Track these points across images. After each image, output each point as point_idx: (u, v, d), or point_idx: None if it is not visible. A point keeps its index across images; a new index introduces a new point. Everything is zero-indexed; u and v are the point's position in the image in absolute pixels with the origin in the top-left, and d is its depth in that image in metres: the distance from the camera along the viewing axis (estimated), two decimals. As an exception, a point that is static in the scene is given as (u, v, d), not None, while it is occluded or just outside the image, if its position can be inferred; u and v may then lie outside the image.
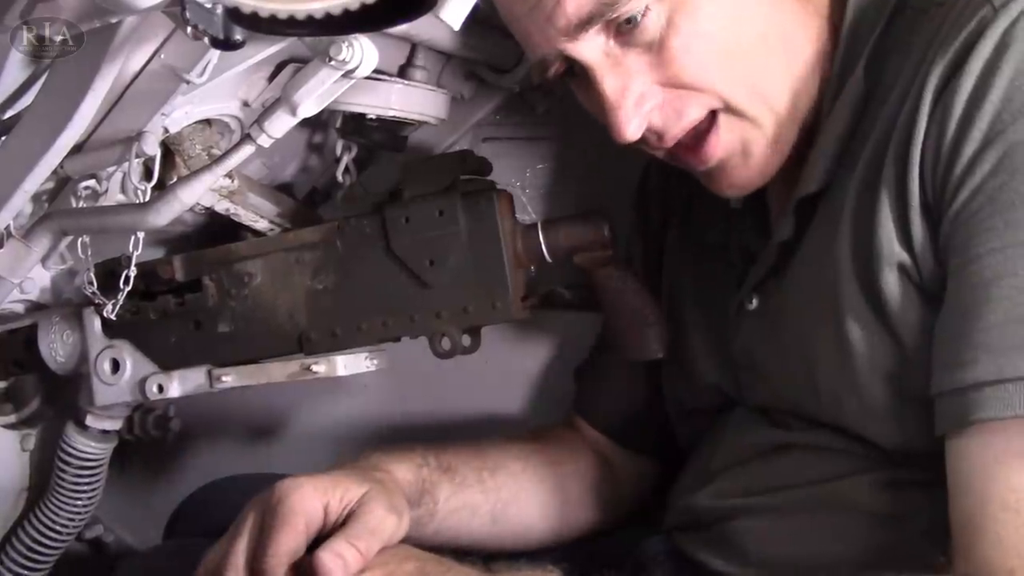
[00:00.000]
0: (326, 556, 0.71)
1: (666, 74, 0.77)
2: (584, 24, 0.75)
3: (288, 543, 0.74)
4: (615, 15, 0.74)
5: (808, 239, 0.81)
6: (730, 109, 0.78)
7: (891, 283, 0.73)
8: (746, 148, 0.80)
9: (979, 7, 0.70)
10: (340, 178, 1.11)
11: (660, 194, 1.05)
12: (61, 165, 0.86)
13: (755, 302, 0.87)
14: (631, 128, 0.78)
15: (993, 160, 0.68)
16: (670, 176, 1.03)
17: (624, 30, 0.75)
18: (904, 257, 0.73)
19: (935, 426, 0.70)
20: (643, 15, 0.74)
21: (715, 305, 0.94)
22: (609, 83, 0.77)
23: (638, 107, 0.77)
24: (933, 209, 0.71)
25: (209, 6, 0.53)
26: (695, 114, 0.78)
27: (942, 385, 0.69)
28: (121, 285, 0.96)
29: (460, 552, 0.81)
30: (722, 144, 0.79)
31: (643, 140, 0.80)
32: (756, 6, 0.77)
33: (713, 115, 0.78)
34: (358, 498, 0.78)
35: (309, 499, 0.76)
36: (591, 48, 0.77)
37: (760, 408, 0.89)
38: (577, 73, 0.80)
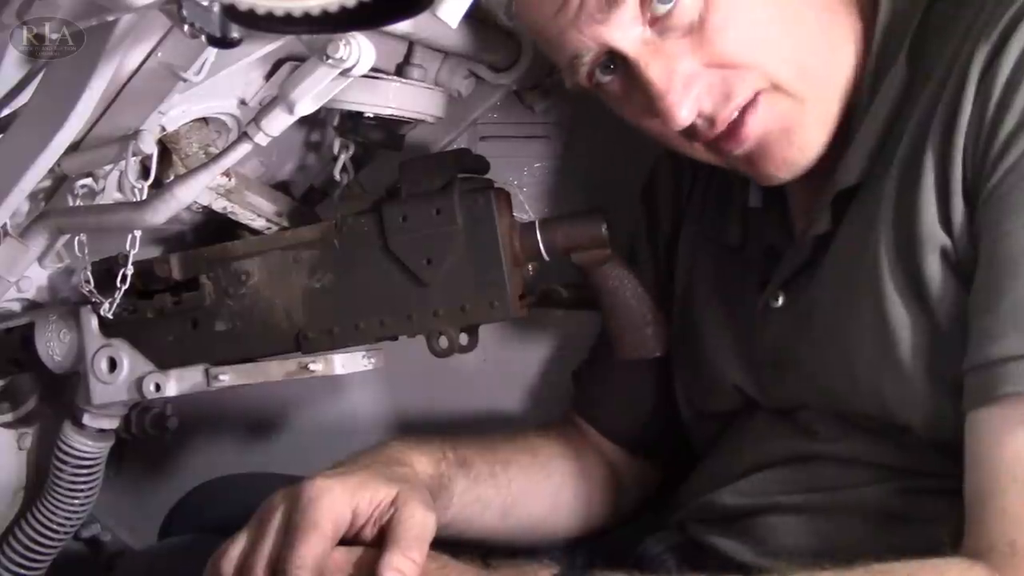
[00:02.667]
0: (391, 575, 0.71)
1: (710, 53, 0.76)
2: None
3: (316, 548, 0.73)
4: None
5: (844, 230, 0.81)
6: (775, 87, 0.77)
7: (932, 267, 0.74)
8: (787, 125, 0.79)
9: None
10: (338, 176, 1.11)
11: (670, 195, 1.04)
12: (58, 163, 0.86)
13: (781, 299, 0.87)
14: (684, 112, 0.76)
15: None
16: (681, 177, 1.03)
17: (660, 13, 0.74)
18: (945, 240, 0.73)
19: (963, 403, 0.70)
20: None
21: (735, 305, 0.93)
22: (654, 70, 0.76)
23: (687, 89, 0.76)
24: (972, 191, 0.72)
25: (206, 4, 0.53)
26: (743, 94, 0.77)
27: (971, 360, 0.70)
28: (118, 284, 0.96)
29: (464, 545, 0.81)
30: (760, 121, 0.78)
31: (693, 129, 0.79)
32: None
33: (755, 94, 0.77)
34: (390, 499, 0.77)
35: (339, 503, 0.76)
36: (630, 38, 0.76)
37: (783, 410, 0.88)
38: (614, 72, 0.79)
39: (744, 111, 0.77)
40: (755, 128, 0.78)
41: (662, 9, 0.74)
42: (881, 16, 0.80)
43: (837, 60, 0.80)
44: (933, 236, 0.73)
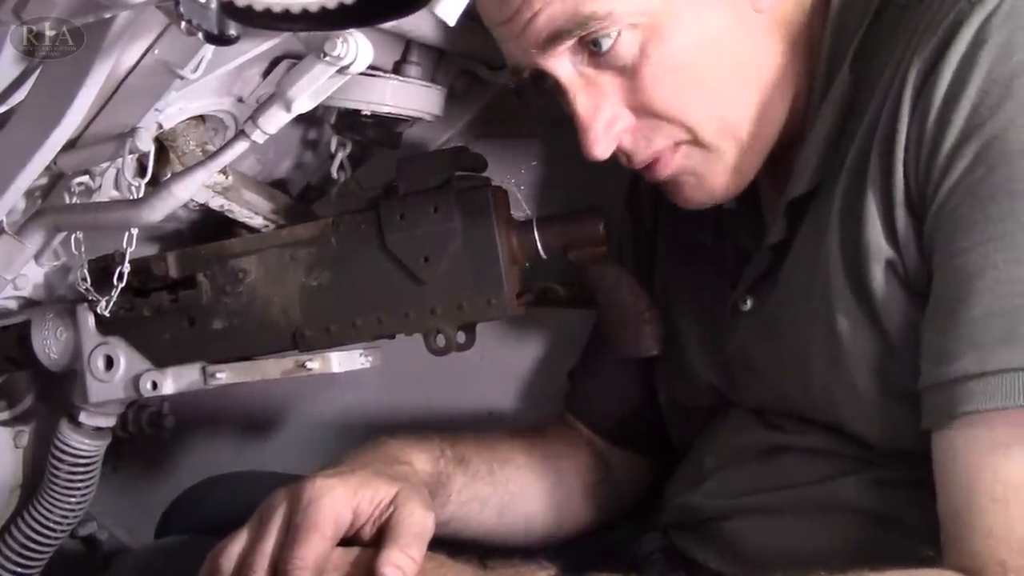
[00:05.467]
0: (389, 571, 0.71)
1: (638, 100, 0.78)
2: (554, 39, 0.76)
3: (317, 548, 0.73)
4: (586, 33, 0.75)
5: (800, 239, 0.81)
6: (696, 141, 0.80)
7: (878, 279, 0.74)
8: (699, 172, 0.82)
9: (956, 1, 0.70)
10: (335, 174, 1.11)
11: (651, 196, 1.05)
12: (54, 161, 0.86)
13: (750, 302, 0.87)
14: (599, 149, 0.80)
15: (971, 155, 0.68)
16: None
17: (596, 52, 0.76)
18: (891, 253, 0.73)
19: (922, 420, 0.71)
20: (615, 41, 0.75)
21: (709, 305, 0.94)
22: (582, 102, 0.79)
23: (608, 129, 0.79)
24: (917, 205, 0.72)
25: (203, 1, 0.53)
26: (662, 143, 0.80)
27: (927, 379, 0.70)
28: (115, 282, 0.96)
29: (461, 545, 0.81)
30: (674, 166, 0.81)
31: (611, 157, 0.82)
32: (728, 36, 0.77)
33: (675, 144, 0.80)
34: (389, 498, 0.78)
35: (340, 503, 0.76)
36: (564, 67, 0.78)
37: (754, 409, 0.89)
38: (551, 82, 0.81)
39: (659, 155, 0.81)
40: (667, 170, 0.82)
41: (595, 49, 0.77)
42: (828, 27, 0.79)
43: (766, 104, 0.80)
44: (879, 249, 0.73)
